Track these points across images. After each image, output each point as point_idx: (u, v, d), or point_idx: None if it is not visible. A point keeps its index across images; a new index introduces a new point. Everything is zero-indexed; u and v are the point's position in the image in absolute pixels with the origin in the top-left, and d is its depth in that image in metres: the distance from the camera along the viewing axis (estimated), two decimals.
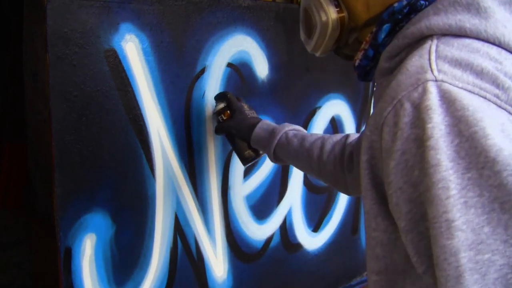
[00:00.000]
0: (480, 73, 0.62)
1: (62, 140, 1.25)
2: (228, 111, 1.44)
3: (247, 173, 1.69)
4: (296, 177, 1.84)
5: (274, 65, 1.69)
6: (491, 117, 0.60)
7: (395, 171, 0.65)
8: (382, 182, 0.71)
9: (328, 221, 2.00)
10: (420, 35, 0.70)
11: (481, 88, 0.62)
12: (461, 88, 0.61)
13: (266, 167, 1.74)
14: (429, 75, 0.63)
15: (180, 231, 1.52)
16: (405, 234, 0.66)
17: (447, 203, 0.59)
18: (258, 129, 1.35)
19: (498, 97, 0.61)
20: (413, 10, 0.75)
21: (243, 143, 1.41)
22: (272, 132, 1.32)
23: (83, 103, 1.27)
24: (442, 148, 0.60)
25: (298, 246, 1.90)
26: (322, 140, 1.23)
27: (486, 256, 0.59)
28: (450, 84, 0.62)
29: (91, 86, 1.28)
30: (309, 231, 1.93)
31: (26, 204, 4.16)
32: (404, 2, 0.75)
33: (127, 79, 1.35)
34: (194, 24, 1.46)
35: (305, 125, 1.85)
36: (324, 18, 0.88)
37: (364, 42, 0.83)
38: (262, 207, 1.75)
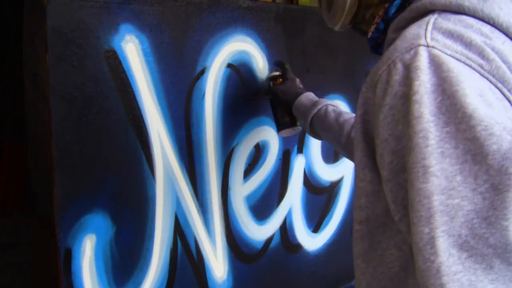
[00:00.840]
0: (468, 45, 0.70)
1: (62, 140, 1.25)
2: (281, 79, 1.54)
3: (247, 174, 1.69)
4: (296, 177, 1.84)
5: (274, 66, 1.69)
6: (473, 82, 0.67)
7: (382, 124, 0.72)
8: (372, 137, 0.78)
9: (328, 222, 2.00)
10: (424, 9, 0.77)
11: (467, 57, 0.69)
12: (449, 55, 0.69)
13: (266, 168, 1.74)
14: (422, 41, 0.71)
15: (180, 232, 1.52)
16: (386, 183, 0.74)
17: (426, 151, 0.66)
18: (302, 97, 1.44)
19: (482, 67, 0.69)
20: None
21: (284, 109, 1.50)
22: (314, 103, 1.40)
23: (83, 104, 1.27)
24: (426, 103, 0.67)
25: (298, 246, 1.90)
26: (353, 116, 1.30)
27: (456, 201, 0.65)
28: (440, 50, 0.69)
29: (91, 86, 1.28)
30: (309, 231, 1.93)
31: (26, 204, 4.16)
32: None
33: (127, 79, 1.35)
34: (194, 25, 1.47)
35: None
36: None
37: (376, 17, 0.90)
38: (262, 207, 1.75)
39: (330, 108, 1.36)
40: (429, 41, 0.70)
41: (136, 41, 1.35)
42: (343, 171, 2.01)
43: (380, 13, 0.89)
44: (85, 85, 1.27)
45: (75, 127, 1.26)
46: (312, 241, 1.94)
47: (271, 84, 1.56)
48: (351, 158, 1.32)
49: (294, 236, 1.88)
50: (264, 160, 1.73)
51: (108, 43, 1.30)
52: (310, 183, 1.90)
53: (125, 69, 1.34)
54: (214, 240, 1.62)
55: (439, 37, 0.71)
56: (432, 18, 0.74)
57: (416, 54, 0.70)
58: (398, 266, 0.79)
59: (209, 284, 1.62)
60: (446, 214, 0.66)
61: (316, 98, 1.43)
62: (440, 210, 0.66)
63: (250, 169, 1.69)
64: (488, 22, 0.74)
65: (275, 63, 1.60)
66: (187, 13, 1.44)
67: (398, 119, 0.70)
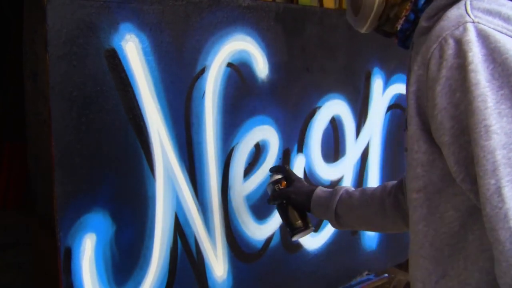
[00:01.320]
0: (507, 19, 0.81)
1: (62, 140, 1.25)
2: (285, 182, 1.45)
3: (247, 173, 1.69)
4: None
5: (274, 65, 1.69)
6: None
7: (440, 95, 0.82)
8: (425, 111, 0.87)
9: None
10: None
11: (508, 30, 0.80)
12: (493, 28, 0.79)
13: (266, 167, 1.74)
14: (468, 18, 0.80)
15: (180, 231, 1.52)
16: (447, 146, 0.83)
17: (485, 113, 0.77)
18: (318, 191, 1.39)
19: None
20: None
21: (295, 213, 1.42)
22: (333, 191, 1.37)
23: (83, 103, 1.27)
24: (480, 71, 0.77)
25: (298, 246, 1.90)
26: (383, 184, 1.33)
27: None
28: (484, 25, 0.79)
29: (91, 86, 1.28)
30: None
31: (26, 204, 4.16)
32: None
33: (127, 79, 1.35)
34: (194, 24, 1.46)
35: (305, 125, 1.85)
36: None
37: (404, 11, 0.99)
38: (262, 207, 1.75)
39: (350, 190, 1.36)
40: (474, 18, 0.80)
41: (136, 40, 1.35)
42: (343, 170, 2.01)
43: (408, 6, 0.98)
44: (85, 85, 1.27)
45: (75, 127, 1.26)
46: (312, 241, 1.94)
47: (277, 188, 1.46)
48: (392, 224, 1.31)
49: None
50: (264, 159, 1.73)
51: (108, 43, 1.30)
52: (310, 182, 1.90)
53: (125, 68, 1.34)
54: (214, 239, 1.62)
55: (480, 14, 0.81)
56: (467, 1, 0.84)
57: (465, 29, 0.79)
58: (458, 225, 0.88)
59: (209, 283, 1.62)
60: (509, 166, 0.76)
61: (331, 189, 1.39)
62: (503, 163, 0.76)
63: (250, 169, 1.69)
64: None
65: (272, 169, 1.53)
66: (187, 12, 1.44)
67: (456, 88, 0.80)
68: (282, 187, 1.46)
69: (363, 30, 1.11)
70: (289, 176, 1.47)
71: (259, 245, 1.76)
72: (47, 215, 1.30)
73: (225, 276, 1.67)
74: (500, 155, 0.76)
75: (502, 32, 0.79)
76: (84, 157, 1.29)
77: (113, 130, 1.34)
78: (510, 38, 0.79)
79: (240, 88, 1.61)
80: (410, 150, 0.91)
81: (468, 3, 0.83)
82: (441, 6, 0.88)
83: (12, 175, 4.27)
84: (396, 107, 2.17)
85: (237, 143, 1.64)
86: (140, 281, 1.44)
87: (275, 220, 1.80)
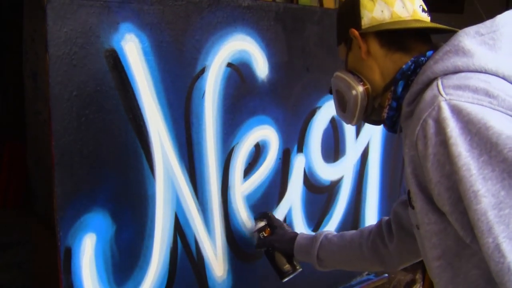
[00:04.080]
0: (475, 90, 0.90)
1: (62, 140, 1.25)
2: (269, 229, 1.60)
3: (247, 173, 1.69)
4: (296, 177, 1.84)
5: (274, 65, 1.69)
6: (489, 115, 0.87)
7: (432, 170, 0.91)
8: (425, 185, 0.95)
9: (328, 221, 2.00)
10: (428, 79, 0.98)
11: (478, 100, 0.89)
12: (464, 101, 0.89)
13: (266, 167, 1.74)
14: (440, 98, 0.91)
15: (180, 231, 1.52)
16: (450, 215, 0.91)
17: (471, 180, 0.85)
18: (299, 239, 1.54)
19: (491, 103, 0.88)
20: (418, 65, 1.05)
21: (282, 258, 1.56)
22: (313, 238, 1.51)
23: (83, 103, 1.27)
24: (460, 143, 0.86)
25: None
26: (360, 230, 1.47)
27: (506, 211, 0.83)
28: (456, 100, 0.89)
29: (91, 86, 1.28)
30: (309, 231, 1.93)
31: (26, 204, 4.16)
32: (410, 63, 1.06)
33: (127, 79, 1.35)
34: (194, 24, 1.47)
35: (305, 125, 1.85)
36: (354, 92, 1.15)
37: (387, 100, 1.10)
38: (262, 206, 1.75)
39: (329, 236, 1.49)
40: (445, 96, 0.90)
41: (136, 40, 1.35)
42: (343, 170, 2.01)
43: (389, 96, 1.10)
44: (85, 85, 1.27)
45: (75, 126, 1.26)
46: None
47: (261, 236, 1.60)
48: (370, 265, 1.46)
49: None
50: (264, 159, 1.73)
51: (108, 42, 1.30)
52: (310, 182, 1.90)
53: (125, 68, 1.34)
54: (214, 239, 1.62)
55: (451, 91, 0.91)
56: (438, 81, 0.94)
57: (439, 108, 0.89)
58: (483, 282, 0.95)
59: (209, 283, 1.62)
60: (502, 223, 0.83)
61: (311, 234, 1.53)
62: (496, 222, 0.84)
63: (250, 168, 1.69)
64: (480, 71, 0.94)
65: (255, 218, 1.67)
66: (187, 12, 1.44)
67: (444, 161, 0.89)
68: (266, 235, 1.59)
69: (353, 124, 1.22)
70: (272, 223, 1.61)
71: None
72: (47, 215, 1.30)
73: (225, 276, 1.67)
74: (492, 215, 0.84)
75: (473, 103, 0.88)
76: (84, 157, 1.29)
77: (113, 130, 1.34)
78: (480, 106, 0.88)
79: (240, 88, 1.61)
80: (422, 223, 0.99)
81: (439, 83, 0.94)
82: (417, 91, 1.00)
83: (12, 175, 4.26)
84: None
85: (237, 143, 1.64)
86: (140, 281, 1.44)
87: None
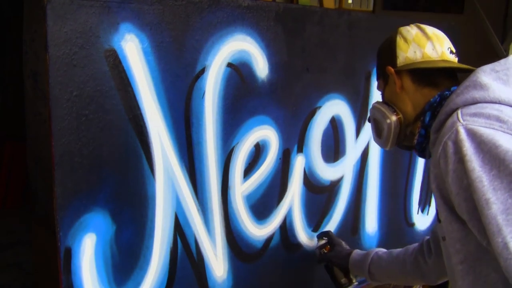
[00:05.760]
0: (488, 117, 1.08)
1: (62, 140, 1.25)
2: (328, 246, 1.82)
3: (247, 173, 1.69)
4: (296, 177, 1.84)
5: (274, 65, 1.69)
6: (498, 136, 1.04)
7: (452, 184, 1.08)
8: (448, 198, 1.12)
9: (328, 221, 2.00)
10: (451, 110, 1.16)
11: (490, 124, 1.07)
12: (478, 126, 1.07)
13: (266, 167, 1.74)
14: (458, 123, 1.09)
15: (180, 231, 1.52)
16: (468, 222, 1.08)
17: (483, 190, 1.02)
18: (354, 255, 1.76)
19: (502, 128, 1.06)
20: (443, 98, 1.24)
21: (339, 272, 1.78)
22: (365, 254, 1.73)
23: (83, 103, 1.27)
24: (474, 160, 1.04)
25: (298, 246, 1.90)
26: (406, 248, 1.66)
27: None
28: (472, 125, 1.08)
29: (91, 86, 1.28)
30: (309, 231, 1.93)
31: (26, 204, 4.16)
32: (437, 96, 1.26)
33: (127, 79, 1.35)
34: (194, 24, 1.47)
35: (305, 125, 1.85)
36: (388, 121, 1.36)
37: (417, 128, 1.31)
38: (262, 207, 1.75)
39: (379, 252, 1.71)
40: (462, 121, 1.09)
41: (136, 40, 1.35)
42: (343, 170, 2.01)
43: (419, 124, 1.30)
44: (85, 85, 1.27)
45: (75, 126, 1.26)
46: (312, 241, 1.94)
47: (322, 252, 1.83)
48: (413, 279, 1.64)
49: (294, 235, 1.88)
50: (264, 159, 1.73)
51: (108, 42, 1.30)
52: (310, 182, 1.90)
53: (125, 68, 1.34)
54: (214, 239, 1.62)
55: (468, 117, 1.09)
56: (458, 111, 1.13)
57: (457, 131, 1.08)
58: (501, 284, 1.09)
59: (209, 283, 1.62)
60: (509, 225, 0.99)
61: (364, 252, 1.75)
62: (504, 224, 0.99)
63: (250, 168, 1.69)
64: (495, 102, 1.12)
65: (317, 236, 1.90)
66: (187, 12, 1.44)
67: (461, 176, 1.06)
68: (326, 251, 1.82)
69: (387, 148, 1.42)
70: (331, 241, 1.83)
71: (259, 245, 1.76)
72: (47, 215, 1.30)
73: (225, 276, 1.67)
74: (501, 219, 0.99)
75: (486, 127, 1.06)
76: (84, 157, 1.29)
77: (113, 130, 1.34)
78: (492, 130, 1.05)
79: (240, 88, 1.61)
80: (447, 232, 1.16)
81: (459, 112, 1.12)
82: (442, 120, 1.18)
83: (12, 175, 4.27)
84: None
85: (237, 143, 1.64)
86: (140, 281, 1.44)
87: (275, 220, 1.80)
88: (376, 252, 1.71)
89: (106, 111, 1.32)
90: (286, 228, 1.84)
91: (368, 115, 1.46)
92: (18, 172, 4.25)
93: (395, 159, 2.22)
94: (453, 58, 1.34)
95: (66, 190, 1.26)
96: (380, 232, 2.21)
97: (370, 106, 2.05)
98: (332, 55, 1.88)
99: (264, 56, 1.66)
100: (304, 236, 1.91)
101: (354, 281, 1.78)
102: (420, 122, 1.29)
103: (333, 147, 1.96)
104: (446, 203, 1.14)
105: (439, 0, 4.05)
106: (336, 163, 1.98)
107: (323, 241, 1.85)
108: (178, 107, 1.47)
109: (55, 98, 1.22)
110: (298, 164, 1.85)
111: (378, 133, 1.44)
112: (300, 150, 1.84)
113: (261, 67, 1.66)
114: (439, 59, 1.32)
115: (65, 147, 1.25)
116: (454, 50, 1.35)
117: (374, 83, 2.05)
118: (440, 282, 1.60)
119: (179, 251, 1.53)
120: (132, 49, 1.35)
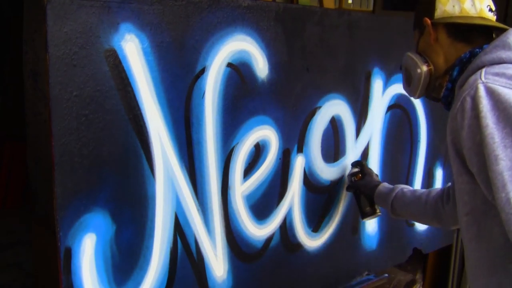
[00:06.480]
0: (510, 77, 1.11)
1: (62, 140, 1.25)
2: (360, 175, 1.89)
3: (247, 173, 1.69)
4: (296, 177, 1.84)
5: (274, 65, 1.69)
6: None
7: (466, 138, 1.13)
8: (461, 151, 1.17)
9: (328, 221, 2.00)
10: (477, 68, 1.19)
11: (510, 84, 1.10)
12: (498, 85, 1.10)
13: (266, 167, 1.74)
14: (479, 81, 1.13)
15: (180, 231, 1.52)
16: (477, 176, 1.12)
17: (494, 146, 1.06)
18: (380, 187, 1.83)
19: None
20: (473, 56, 1.26)
21: (366, 201, 1.86)
22: (391, 189, 1.79)
23: (83, 103, 1.27)
24: (489, 117, 1.08)
25: (298, 246, 1.90)
26: (429, 189, 1.70)
27: None
28: (492, 83, 1.11)
29: (91, 86, 1.28)
30: (309, 231, 1.93)
31: (26, 204, 4.16)
32: (467, 53, 1.28)
33: (127, 79, 1.35)
34: (194, 24, 1.47)
35: (305, 125, 1.85)
36: (419, 71, 1.39)
37: (445, 81, 1.34)
38: (262, 207, 1.75)
39: (405, 189, 1.75)
40: (484, 79, 1.12)
41: (136, 40, 1.35)
42: (343, 170, 2.01)
43: (446, 78, 1.33)
44: (85, 85, 1.27)
45: (75, 127, 1.26)
46: (312, 241, 1.94)
47: (353, 179, 1.89)
48: (430, 220, 1.68)
49: (294, 235, 1.88)
50: (264, 159, 1.73)
51: (108, 43, 1.30)
52: (310, 182, 1.90)
53: (125, 68, 1.34)
54: (214, 239, 1.62)
55: (490, 76, 1.12)
56: (483, 70, 1.16)
57: (477, 89, 1.11)
58: (503, 239, 1.12)
59: (209, 283, 1.62)
60: None
61: (391, 186, 1.80)
62: (509, 180, 1.04)
63: (250, 169, 1.69)
64: None
65: (352, 163, 1.96)
66: (187, 12, 1.44)
67: (475, 132, 1.10)
68: (356, 179, 1.89)
69: (416, 97, 1.46)
70: (363, 170, 1.90)
71: (259, 245, 1.76)
72: (47, 215, 1.30)
73: (225, 276, 1.67)
74: (507, 175, 1.04)
75: (506, 87, 1.09)
76: (84, 157, 1.29)
77: (113, 130, 1.34)
78: (511, 90, 1.08)
79: (240, 88, 1.61)
80: (456, 183, 1.22)
81: (483, 70, 1.15)
82: (467, 77, 1.20)
83: (12, 175, 4.27)
84: (396, 107, 2.17)
85: (237, 143, 1.64)
86: (140, 281, 1.44)
87: (275, 220, 1.80)
88: (401, 189, 1.75)
89: (106, 111, 1.32)
90: (286, 228, 1.84)
91: (401, 68, 1.50)
92: (18, 172, 4.25)
93: (395, 159, 2.22)
94: (491, 16, 1.34)
95: (66, 190, 1.26)
96: (380, 232, 2.21)
97: (370, 106, 2.06)
98: (332, 55, 1.88)
99: (264, 56, 1.66)
100: (304, 236, 1.91)
101: (377, 211, 1.86)
102: (448, 76, 1.32)
103: (333, 147, 1.96)
104: (458, 156, 1.18)
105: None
106: (336, 163, 1.98)
107: (356, 170, 1.91)
108: (178, 107, 1.47)
109: (55, 98, 1.22)
110: (298, 164, 1.85)
111: (408, 82, 1.46)
112: (300, 150, 1.84)
113: (261, 67, 1.66)
114: (476, 15, 1.32)
115: (65, 147, 1.25)
116: (493, 8, 1.36)
117: (374, 83, 2.05)
118: (454, 228, 1.69)
119: (179, 251, 1.53)
120: (132, 49, 1.35)
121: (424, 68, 1.38)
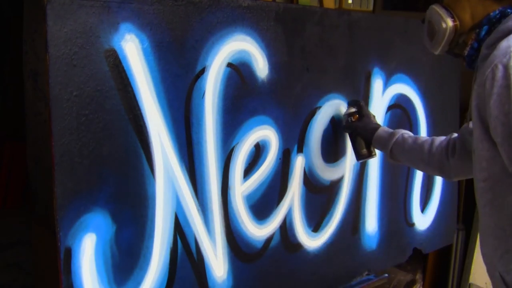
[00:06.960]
0: None
1: (62, 140, 1.25)
2: (357, 115, 1.81)
3: (247, 173, 1.69)
4: (296, 177, 1.84)
5: (274, 65, 1.69)
6: None
7: (493, 106, 1.09)
8: (485, 118, 1.14)
9: (328, 221, 2.00)
10: (508, 30, 1.14)
11: None
12: None
13: (266, 167, 1.74)
14: None
15: (180, 231, 1.52)
16: (500, 146, 1.11)
17: None
18: (380, 131, 1.77)
19: None
20: (503, 16, 1.20)
21: (362, 143, 1.81)
22: (391, 134, 1.73)
23: (83, 103, 1.27)
24: None
25: (298, 246, 1.90)
26: (432, 138, 1.66)
27: None
28: None
29: (91, 86, 1.28)
30: (309, 231, 1.93)
31: (26, 204, 4.16)
32: (497, 12, 1.21)
33: (127, 79, 1.35)
34: (194, 24, 1.47)
35: (305, 125, 1.85)
36: (444, 25, 1.31)
37: (470, 40, 1.27)
38: (262, 207, 1.75)
39: (406, 135, 1.71)
40: None
41: (136, 40, 1.35)
42: (343, 170, 2.01)
43: (473, 36, 1.26)
44: (85, 85, 1.27)
45: (75, 127, 1.26)
46: (312, 241, 1.94)
47: (349, 120, 1.82)
48: (432, 170, 1.67)
49: (294, 235, 1.88)
50: (264, 159, 1.73)
51: (108, 43, 1.30)
52: (310, 182, 1.90)
53: (125, 68, 1.34)
54: (214, 239, 1.62)
55: None
56: None
57: (510, 57, 1.07)
58: None
59: (209, 283, 1.62)
60: None
61: (391, 130, 1.75)
62: None
63: (250, 169, 1.69)
64: None
65: (349, 103, 1.88)
66: (187, 12, 1.44)
67: (504, 101, 1.07)
68: (354, 120, 1.81)
69: (437, 52, 1.38)
70: (361, 111, 1.82)
71: (259, 245, 1.76)
72: (47, 215, 1.30)
73: (225, 276, 1.67)
74: None
75: None
76: (84, 157, 1.29)
77: (113, 130, 1.34)
78: None
79: (240, 88, 1.61)
80: (476, 148, 1.20)
81: None
82: (497, 38, 1.16)
83: (12, 175, 4.26)
84: (396, 107, 2.17)
85: (237, 143, 1.64)
86: (140, 281, 1.44)
87: (275, 220, 1.80)
88: (402, 134, 1.71)
89: (106, 111, 1.32)
90: (286, 228, 1.84)
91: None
92: (18, 172, 4.25)
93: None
94: None
95: (66, 190, 1.26)
96: (380, 232, 2.21)
97: (370, 106, 2.06)
98: (332, 55, 1.88)
99: (264, 56, 1.66)
100: (304, 236, 1.91)
101: (374, 153, 1.83)
102: (474, 34, 1.26)
103: (333, 147, 1.96)
104: (481, 122, 1.16)
105: (438, 0, 4.05)
106: (336, 163, 1.98)
107: (353, 110, 1.83)
108: (178, 107, 1.47)
109: (55, 98, 1.22)
110: (298, 164, 1.85)
111: (430, 36, 1.38)
112: (300, 150, 1.84)
113: (261, 67, 1.66)
114: None
115: (65, 147, 1.25)
116: None
117: (374, 83, 2.05)
118: (456, 180, 1.70)
119: (179, 251, 1.53)
120: (132, 49, 1.35)
121: (450, 23, 1.30)
